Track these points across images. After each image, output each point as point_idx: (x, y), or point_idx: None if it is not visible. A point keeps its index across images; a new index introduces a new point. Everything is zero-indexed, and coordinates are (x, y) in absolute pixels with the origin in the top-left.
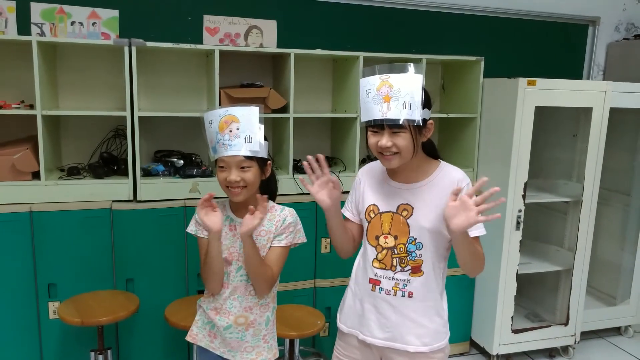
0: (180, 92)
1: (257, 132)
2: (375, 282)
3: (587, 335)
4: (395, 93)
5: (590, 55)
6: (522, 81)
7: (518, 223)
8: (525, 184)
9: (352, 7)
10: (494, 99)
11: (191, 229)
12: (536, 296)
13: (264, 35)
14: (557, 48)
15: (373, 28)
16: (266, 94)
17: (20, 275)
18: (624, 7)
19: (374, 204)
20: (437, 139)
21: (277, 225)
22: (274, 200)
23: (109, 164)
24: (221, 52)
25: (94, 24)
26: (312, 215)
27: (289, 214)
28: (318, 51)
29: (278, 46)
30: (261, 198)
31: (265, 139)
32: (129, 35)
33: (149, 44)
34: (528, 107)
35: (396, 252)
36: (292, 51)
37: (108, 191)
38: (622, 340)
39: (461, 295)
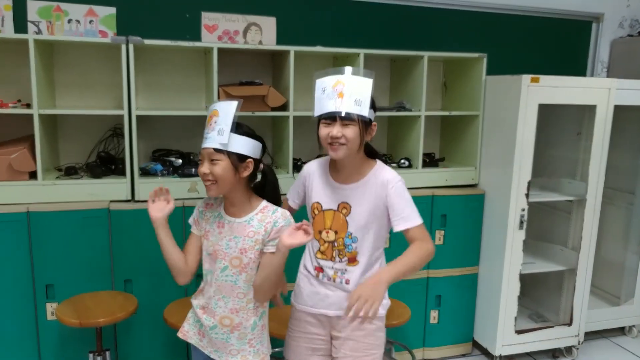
0: (179, 91)
1: (230, 126)
2: (319, 270)
3: (591, 335)
4: (348, 90)
5: (594, 52)
6: (525, 78)
7: (521, 222)
8: (529, 182)
9: (353, 4)
10: (497, 97)
11: (190, 220)
12: (539, 296)
13: (263, 33)
14: (560, 45)
15: (374, 25)
16: (265, 92)
17: (17, 276)
18: (628, 4)
19: (317, 202)
20: (438, 138)
21: (267, 228)
22: (276, 204)
23: (107, 164)
24: (220, 50)
25: (91, 21)
26: None
27: (281, 217)
28: (318, 48)
29: (277, 43)
30: (305, 224)
31: (258, 138)
32: (126, 33)
33: (147, 41)
34: (531, 104)
35: (336, 245)
36: (292, 48)
37: (106, 191)
38: (627, 341)
39: (463, 296)
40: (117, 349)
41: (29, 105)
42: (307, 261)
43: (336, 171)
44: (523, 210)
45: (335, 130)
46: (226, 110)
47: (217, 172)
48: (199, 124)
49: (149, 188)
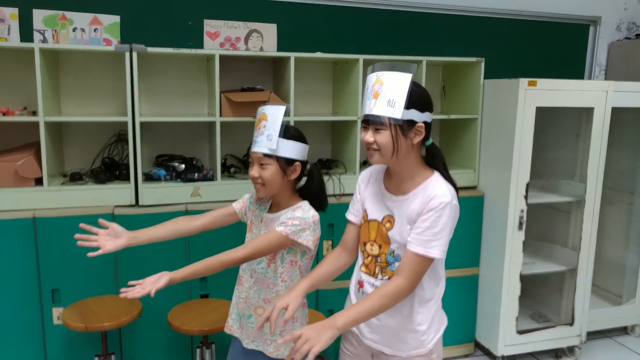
0: (182, 97)
1: (278, 131)
2: (360, 284)
3: (593, 335)
4: (384, 90)
5: (591, 54)
6: (523, 82)
7: (520, 223)
8: (527, 184)
9: (352, 10)
10: (495, 100)
11: (237, 201)
12: (541, 296)
13: (264, 39)
14: (558, 48)
15: (373, 30)
16: (266, 98)
17: (24, 280)
18: (625, 7)
19: (365, 210)
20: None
21: (287, 216)
22: (322, 207)
23: (111, 169)
24: (222, 57)
25: (95, 30)
26: None
27: (302, 211)
28: (318, 54)
29: (278, 50)
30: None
31: (304, 141)
32: (130, 41)
33: (150, 49)
34: (529, 107)
35: (379, 261)
36: (292, 54)
37: (110, 196)
38: (629, 340)
39: (465, 297)
40: (122, 352)
41: (34, 113)
42: (354, 272)
43: (389, 179)
44: (522, 211)
45: (368, 135)
46: (275, 116)
47: (266, 176)
48: (202, 130)
49: (152, 193)
